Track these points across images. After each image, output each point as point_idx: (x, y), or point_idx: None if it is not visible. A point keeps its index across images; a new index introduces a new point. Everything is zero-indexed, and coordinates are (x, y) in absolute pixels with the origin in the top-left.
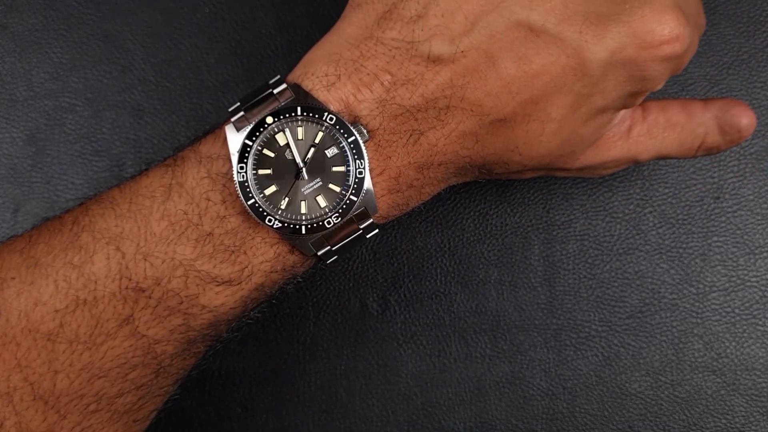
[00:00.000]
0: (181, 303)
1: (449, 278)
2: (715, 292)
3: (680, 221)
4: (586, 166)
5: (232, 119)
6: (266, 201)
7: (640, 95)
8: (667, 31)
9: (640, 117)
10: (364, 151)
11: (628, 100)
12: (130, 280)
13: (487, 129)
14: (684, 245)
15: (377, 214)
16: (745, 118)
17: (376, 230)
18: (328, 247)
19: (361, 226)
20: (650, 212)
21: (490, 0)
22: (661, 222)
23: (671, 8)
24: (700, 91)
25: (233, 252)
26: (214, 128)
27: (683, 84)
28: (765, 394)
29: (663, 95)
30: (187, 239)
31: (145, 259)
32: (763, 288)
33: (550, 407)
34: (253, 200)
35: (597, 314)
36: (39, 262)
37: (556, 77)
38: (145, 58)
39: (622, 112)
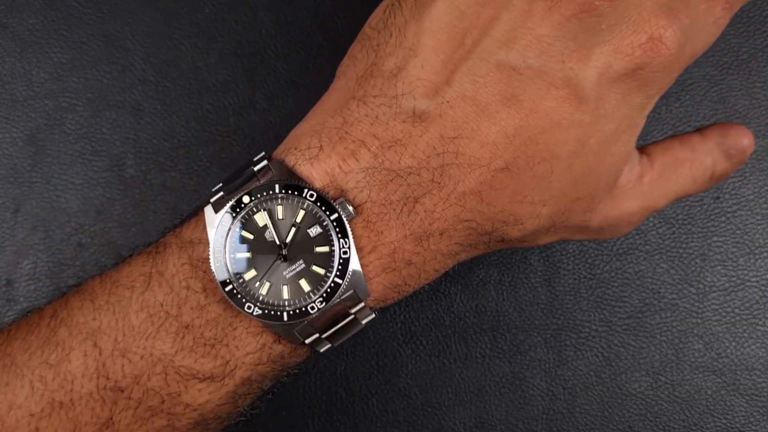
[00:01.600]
0: (163, 402)
1: (449, 278)
2: (715, 292)
3: (680, 221)
4: (606, 222)
5: (211, 200)
6: (245, 286)
7: (648, 105)
8: (645, 39)
9: (647, 163)
10: (348, 229)
11: (638, 116)
12: (108, 378)
13: (490, 184)
14: (684, 245)
15: (371, 297)
16: (745, 138)
17: (372, 315)
18: (317, 335)
19: (352, 311)
20: None
21: (465, 47)
22: (661, 222)
23: (648, 14)
24: (700, 91)
25: (214, 345)
26: (199, 210)
27: (683, 84)
28: (765, 394)
29: (664, 94)
30: (165, 332)
31: (123, 356)
32: (763, 288)
33: (550, 407)
34: (231, 286)
35: (597, 314)
36: (15, 361)
37: (551, 111)
38: (145, 58)
39: (635, 158)
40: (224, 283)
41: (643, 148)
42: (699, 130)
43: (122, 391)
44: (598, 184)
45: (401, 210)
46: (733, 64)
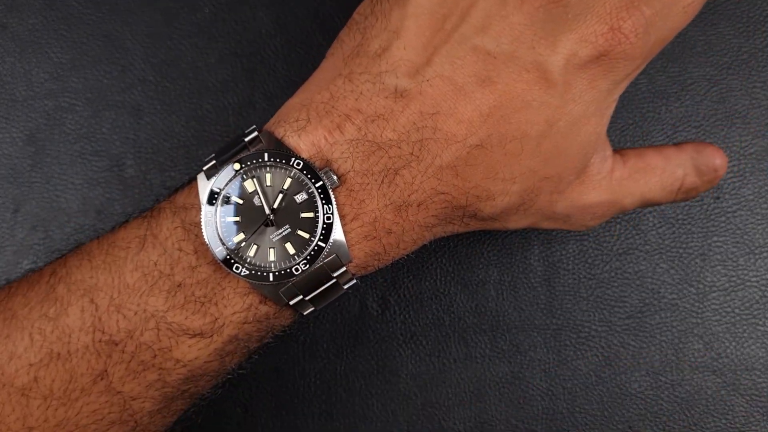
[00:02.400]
0: (155, 357)
1: (449, 278)
2: (715, 292)
3: (680, 221)
4: (571, 209)
5: (204, 168)
6: (234, 249)
7: (615, 90)
8: (606, 28)
9: (620, 161)
10: (332, 196)
11: (605, 100)
12: (103, 332)
13: (465, 159)
14: (684, 245)
15: (353, 263)
16: (719, 158)
17: (354, 281)
18: (301, 297)
19: (335, 275)
20: (650, 212)
21: (445, 31)
22: (661, 222)
23: (611, 6)
24: (700, 91)
25: (204, 303)
26: (192, 181)
27: (683, 84)
28: (765, 394)
29: (664, 94)
30: (159, 290)
31: (118, 311)
32: (763, 288)
33: (550, 407)
34: (221, 248)
35: (597, 314)
36: (15, 315)
37: (523, 93)
38: (145, 58)
39: (608, 150)
40: (214, 245)
41: (619, 150)
42: (677, 144)
43: (116, 344)
44: (567, 164)
45: (382, 180)
46: (733, 64)
